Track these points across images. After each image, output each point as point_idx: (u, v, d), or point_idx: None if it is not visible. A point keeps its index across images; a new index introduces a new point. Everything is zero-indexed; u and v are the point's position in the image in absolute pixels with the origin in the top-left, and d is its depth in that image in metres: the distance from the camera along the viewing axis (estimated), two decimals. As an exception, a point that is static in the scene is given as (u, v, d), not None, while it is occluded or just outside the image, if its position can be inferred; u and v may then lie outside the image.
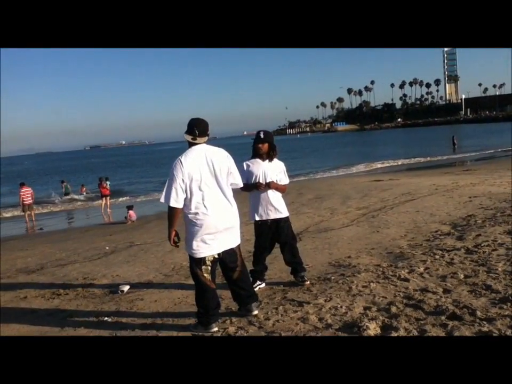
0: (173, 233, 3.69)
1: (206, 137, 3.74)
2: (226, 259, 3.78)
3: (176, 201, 3.57)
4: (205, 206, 3.60)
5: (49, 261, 7.87)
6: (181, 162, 3.58)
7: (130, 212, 13.49)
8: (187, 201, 3.61)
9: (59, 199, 23.92)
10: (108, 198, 17.49)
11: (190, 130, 3.69)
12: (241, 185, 4.04)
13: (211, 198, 3.63)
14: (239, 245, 3.91)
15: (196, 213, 3.60)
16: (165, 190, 3.63)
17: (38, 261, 8.02)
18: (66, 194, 24.97)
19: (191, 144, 3.69)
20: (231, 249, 3.79)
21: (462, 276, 4.29)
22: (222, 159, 3.74)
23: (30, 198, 16.40)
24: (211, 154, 3.67)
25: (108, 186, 17.55)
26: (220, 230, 3.65)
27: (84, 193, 25.43)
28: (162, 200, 3.64)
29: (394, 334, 3.16)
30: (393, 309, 3.64)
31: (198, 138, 3.67)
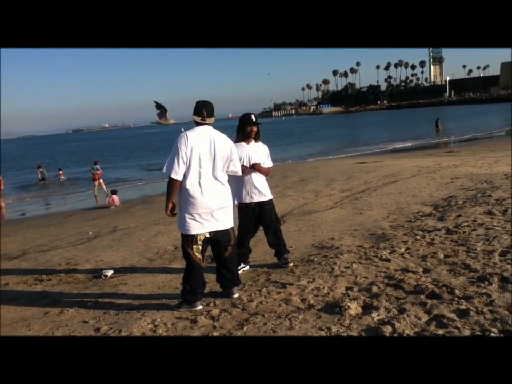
0: (170, 204, 3.79)
1: (213, 118, 3.86)
2: (220, 238, 3.87)
3: (177, 173, 3.65)
4: (199, 185, 3.69)
5: (31, 246, 7.79)
6: (187, 136, 3.67)
7: (114, 196, 13.40)
8: (184, 177, 3.69)
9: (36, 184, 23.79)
10: (99, 181, 17.49)
11: (198, 111, 3.80)
12: (240, 173, 4.12)
13: (206, 177, 3.72)
14: (232, 227, 4.00)
15: (191, 190, 3.68)
16: (167, 161, 3.72)
17: (20, 247, 7.93)
18: (43, 179, 24.70)
19: (199, 124, 3.81)
20: (225, 230, 3.88)
21: (441, 256, 4.37)
22: (225, 145, 3.84)
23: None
24: (216, 138, 3.78)
25: (96, 171, 17.46)
26: (212, 210, 3.73)
27: (62, 177, 25.17)
28: (164, 170, 3.73)
29: (374, 314, 3.22)
30: (374, 289, 3.70)
31: (206, 119, 3.79)
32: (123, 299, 4.29)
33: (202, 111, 3.77)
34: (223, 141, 3.83)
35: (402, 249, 4.72)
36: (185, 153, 3.63)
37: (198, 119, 3.78)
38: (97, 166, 17.61)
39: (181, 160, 3.64)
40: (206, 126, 3.80)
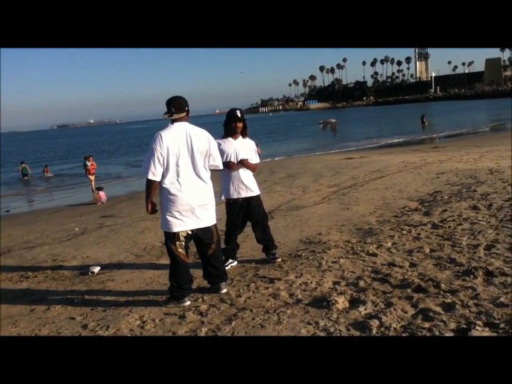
0: (150, 205, 3.82)
1: (184, 113, 3.78)
2: (202, 236, 3.86)
3: (154, 174, 3.65)
4: (179, 182, 3.68)
5: (16, 243, 7.69)
6: (161, 137, 3.65)
7: (100, 192, 13.30)
8: (163, 176, 3.69)
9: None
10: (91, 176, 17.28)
11: (166, 109, 3.77)
12: (221, 167, 4.08)
13: (186, 175, 3.70)
14: (215, 224, 3.98)
15: (170, 188, 3.68)
16: (144, 162, 3.73)
17: (5, 243, 7.82)
18: (25, 175, 24.42)
19: (173, 122, 3.77)
20: (207, 227, 3.86)
21: (427, 250, 4.42)
22: (202, 139, 3.79)
23: None
24: (191, 133, 3.74)
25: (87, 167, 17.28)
26: (193, 207, 3.72)
27: (48, 174, 24.91)
28: (141, 172, 3.77)
29: (362, 308, 3.25)
30: (361, 283, 3.73)
31: (174, 114, 3.73)
32: (110, 295, 4.26)
33: (170, 108, 3.73)
34: (200, 136, 3.79)
35: (389, 244, 4.76)
36: (161, 153, 3.62)
37: (166, 116, 3.75)
38: (88, 162, 17.40)
39: (157, 161, 3.62)
40: (181, 123, 3.75)
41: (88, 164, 17.16)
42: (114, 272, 5.07)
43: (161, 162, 3.64)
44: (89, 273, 5.11)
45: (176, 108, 3.73)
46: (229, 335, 3.11)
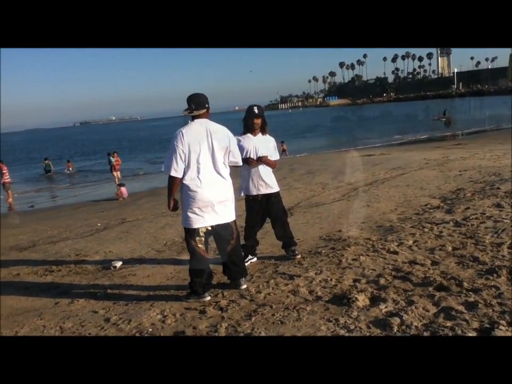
0: (172, 202, 3.83)
1: (204, 110, 3.81)
2: (221, 231, 3.89)
3: (176, 171, 3.69)
4: (199, 179, 3.71)
5: (41, 238, 7.87)
6: (182, 134, 3.69)
7: (122, 188, 13.50)
8: (184, 173, 3.73)
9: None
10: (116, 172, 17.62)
11: (187, 105, 3.80)
12: (241, 163, 4.11)
13: (206, 172, 3.73)
14: (234, 220, 4.00)
15: (191, 185, 3.71)
16: (165, 160, 3.76)
17: (29, 238, 8.02)
18: (48, 171, 24.91)
19: (193, 118, 3.81)
20: (226, 223, 3.88)
21: (450, 248, 4.36)
22: (222, 136, 3.83)
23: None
24: (212, 130, 3.77)
25: (112, 162, 17.62)
26: (213, 203, 3.74)
27: (70, 169, 25.39)
28: (162, 169, 3.79)
29: (382, 305, 3.23)
30: (382, 281, 3.71)
31: (195, 111, 3.77)
32: (132, 290, 4.33)
33: (190, 105, 3.77)
34: (220, 133, 3.82)
35: (410, 242, 4.72)
36: (182, 150, 3.66)
37: (186, 112, 3.79)
38: (112, 158, 17.71)
39: (178, 158, 3.67)
40: (201, 119, 3.78)
41: (113, 159, 17.46)
42: (135, 267, 5.15)
43: (183, 159, 3.68)
44: (112, 267, 5.20)
45: (197, 104, 3.77)
46: (248, 330, 3.13)
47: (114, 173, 17.56)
